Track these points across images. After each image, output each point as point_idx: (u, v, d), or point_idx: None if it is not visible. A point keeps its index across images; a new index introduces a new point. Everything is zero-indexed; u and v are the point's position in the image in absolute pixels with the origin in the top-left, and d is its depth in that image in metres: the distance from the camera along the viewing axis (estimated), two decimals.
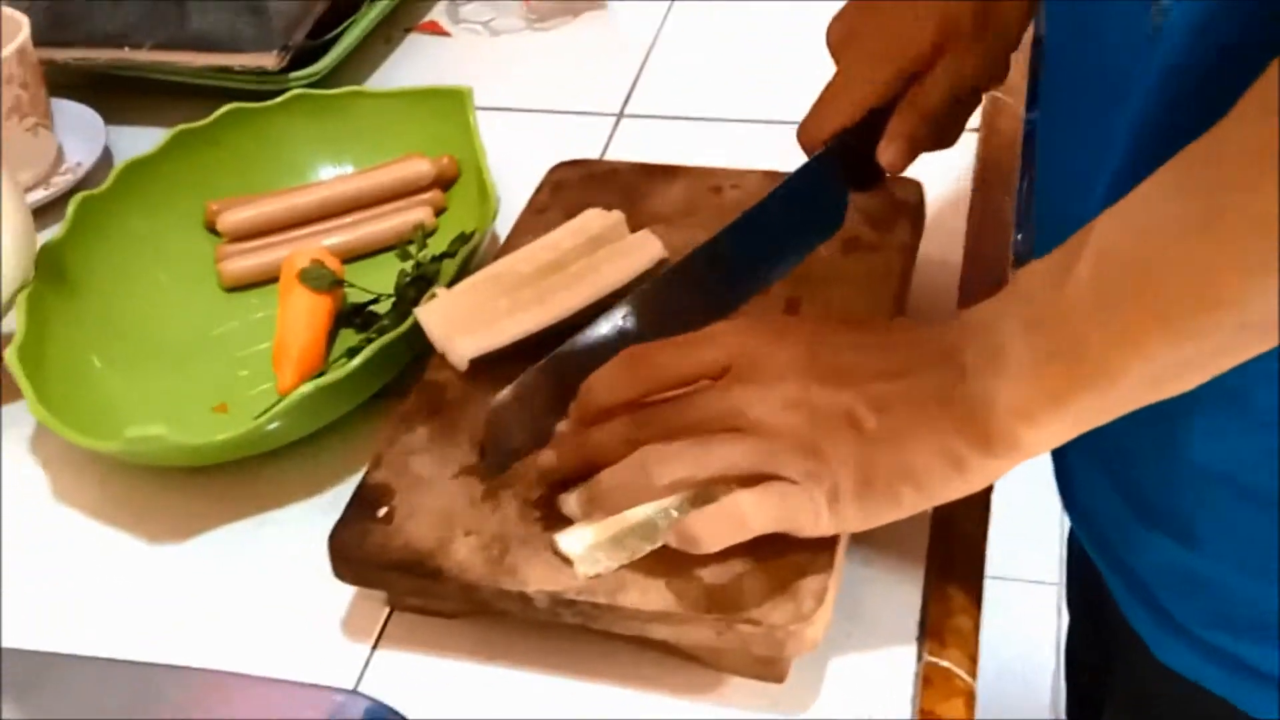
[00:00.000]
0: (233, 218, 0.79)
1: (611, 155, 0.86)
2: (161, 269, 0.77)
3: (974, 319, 0.49)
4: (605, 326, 0.57)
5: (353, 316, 0.73)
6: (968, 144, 0.81)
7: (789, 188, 0.61)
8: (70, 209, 0.75)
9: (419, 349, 0.66)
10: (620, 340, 0.56)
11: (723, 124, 0.89)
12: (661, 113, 0.91)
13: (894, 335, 0.52)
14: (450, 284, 0.67)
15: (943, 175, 0.70)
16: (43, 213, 0.83)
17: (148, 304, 0.75)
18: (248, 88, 0.90)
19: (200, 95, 0.90)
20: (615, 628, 0.53)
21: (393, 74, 0.98)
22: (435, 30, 1.03)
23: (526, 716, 0.55)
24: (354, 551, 0.56)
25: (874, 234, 0.67)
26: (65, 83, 0.93)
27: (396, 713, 0.53)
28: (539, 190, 0.75)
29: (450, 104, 0.82)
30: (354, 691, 0.56)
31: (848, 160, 0.62)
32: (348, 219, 0.80)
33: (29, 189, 0.85)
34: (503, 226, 0.75)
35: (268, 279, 0.77)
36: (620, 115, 0.91)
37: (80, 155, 0.89)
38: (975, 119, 0.81)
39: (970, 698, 0.54)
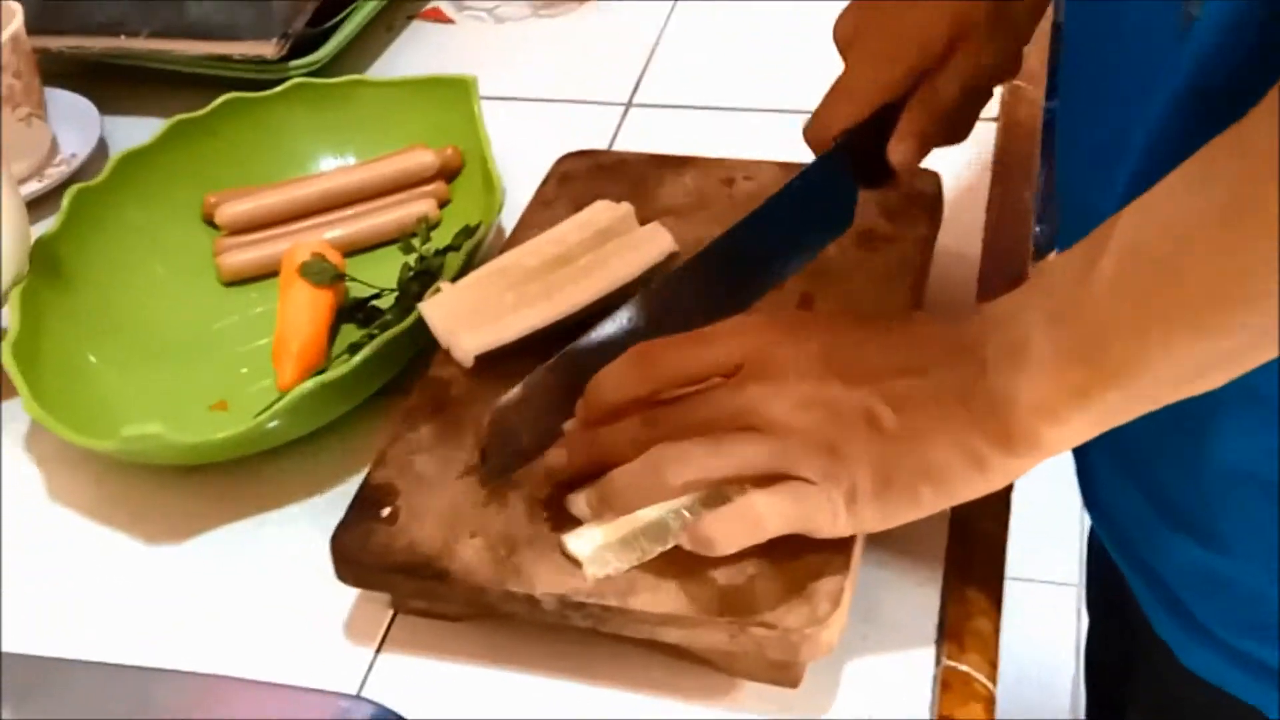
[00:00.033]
0: (231, 210, 0.79)
1: (620, 146, 0.86)
2: (159, 263, 0.77)
3: (994, 313, 0.49)
4: (611, 327, 0.57)
5: (355, 311, 0.73)
6: (986, 134, 0.81)
7: (798, 186, 0.60)
8: (65, 201, 0.75)
9: (423, 345, 0.66)
10: (628, 340, 0.56)
11: (735, 113, 0.88)
12: (671, 101, 0.90)
13: (912, 330, 0.52)
14: (455, 278, 0.67)
15: (961, 166, 0.69)
16: (37, 205, 0.83)
17: (145, 299, 0.75)
18: (247, 77, 0.90)
19: (198, 84, 0.90)
20: (625, 631, 0.53)
21: (395, 62, 0.98)
22: (438, 17, 1.02)
23: None
24: (357, 553, 0.56)
25: (891, 226, 0.67)
26: (60, 72, 0.93)
27: (401, 717, 0.53)
28: (545, 182, 0.75)
29: (454, 93, 0.81)
30: (357, 696, 0.55)
31: (857, 158, 0.61)
32: (349, 211, 0.80)
33: (23, 181, 0.85)
34: (508, 219, 0.75)
35: (267, 273, 0.76)
36: (629, 104, 0.90)
37: (75, 146, 0.89)
38: (994, 108, 0.81)
39: (990, 703, 0.54)
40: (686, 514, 0.52)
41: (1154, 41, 0.47)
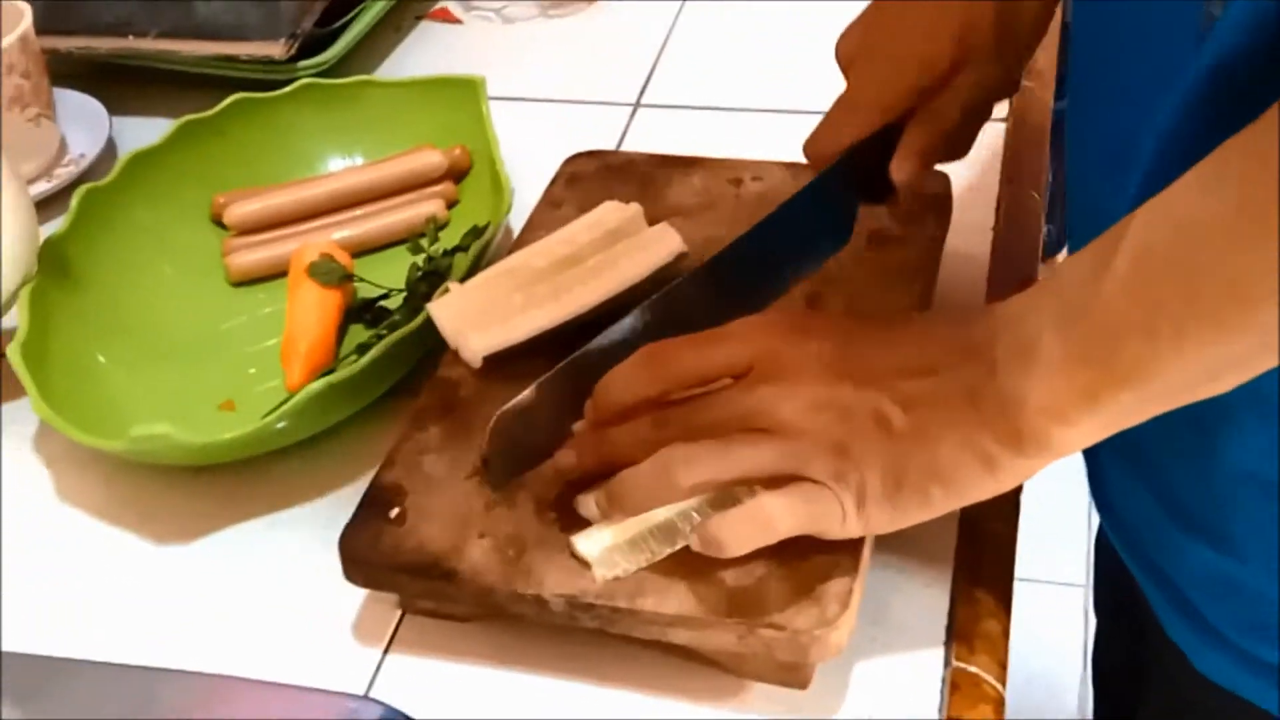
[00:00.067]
0: (240, 210, 0.79)
1: (628, 146, 0.86)
2: (167, 263, 0.77)
3: (1004, 313, 0.49)
4: (614, 336, 0.57)
5: (363, 312, 0.73)
6: (995, 135, 0.80)
7: (798, 201, 0.60)
8: (74, 202, 0.75)
9: (431, 345, 0.65)
10: (633, 346, 0.55)
11: (744, 113, 0.88)
12: (680, 102, 0.90)
13: (921, 331, 0.52)
14: (463, 279, 0.67)
15: (970, 167, 0.69)
16: (46, 205, 0.83)
17: (153, 299, 0.75)
18: (255, 77, 0.90)
19: (206, 85, 0.90)
20: (634, 632, 0.53)
21: (403, 63, 0.97)
22: (447, 18, 1.02)
23: None
24: (365, 553, 0.55)
25: (899, 227, 0.67)
26: (68, 72, 0.93)
27: (409, 718, 0.53)
28: (554, 182, 0.75)
29: (462, 93, 0.81)
30: (365, 697, 0.55)
31: (859, 174, 0.61)
32: (358, 212, 0.79)
33: (31, 181, 0.85)
34: (516, 219, 0.75)
35: (276, 273, 0.76)
36: (637, 105, 0.90)
37: (84, 146, 0.89)
38: (1003, 109, 0.80)
39: (999, 704, 0.53)
40: (696, 515, 0.52)
41: (1172, 42, 0.47)
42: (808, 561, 0.52)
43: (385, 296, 0.72)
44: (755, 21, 0.97)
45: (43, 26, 0.87)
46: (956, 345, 0.49)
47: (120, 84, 0.93)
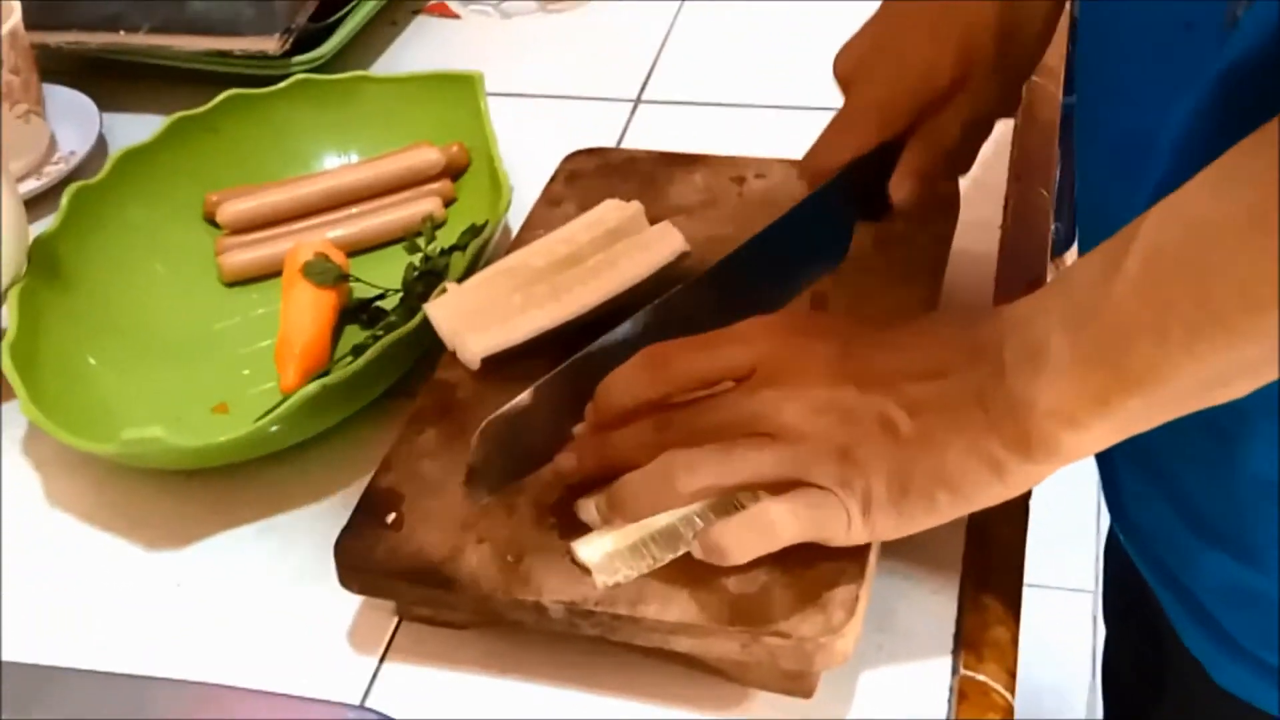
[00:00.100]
0: (233, 209, 0.79)
1: (629, 143, 0.86)
2: (159, 262, 0.77)
3: (1013, 315, 0.48)
4: (614, 339, 0.56)
5: (358, 312, 0.73)
6: (1004, 132, 0.80)
7: (794, 217, 0.60)
8: (64, 200, 0.75)
9: (428, 347, 0.65)
10: (630, 351, 0.55)
11: (745, 110, 0.88)
12: (681, 98, 0.90)
13: (928, 332, 0.52)
14: (461, 279, 0.66)
15: (977, 164, 0.69)
16: (35, 204, 0.83)
17: (145, 299, 0.75)
18: (248, 73, 0.90)
19: (199, 81, 0.90)
20: (635, 640, 0.52)
21: (399, 58, 0.97)
22: (444, 12, 1.02)
23: None
24: (361, 559, 0.55)
25: (906, 226, 0.66)
26: (58, 68, 0.93)
27: None
28: (553, 180, 0.75)
29: (460, 89, 0.81)
30: (361, 706, 0.55)
31: (857, 191, 0.61)
32: (353, 210, 0.79)
33: (21, 179, 0.85)
34: (515, 218, 0.74)
35: (270, 273, 0.76)
36: (637, 101, 0.90)
37: (74, 143, 0.88)
38: None
39: (1008, 713, 0.53)
40: (698, 520, 0.52)
41: (1191, 41, 0.47)
42: (812, 568, 0.51)
43: (381, 297, 0.72)
44: (756, 17, 0.97)
45: (32, 21, 0.87)
46: (963, 348, 0.49)
47: (111, 80, 0.93)
